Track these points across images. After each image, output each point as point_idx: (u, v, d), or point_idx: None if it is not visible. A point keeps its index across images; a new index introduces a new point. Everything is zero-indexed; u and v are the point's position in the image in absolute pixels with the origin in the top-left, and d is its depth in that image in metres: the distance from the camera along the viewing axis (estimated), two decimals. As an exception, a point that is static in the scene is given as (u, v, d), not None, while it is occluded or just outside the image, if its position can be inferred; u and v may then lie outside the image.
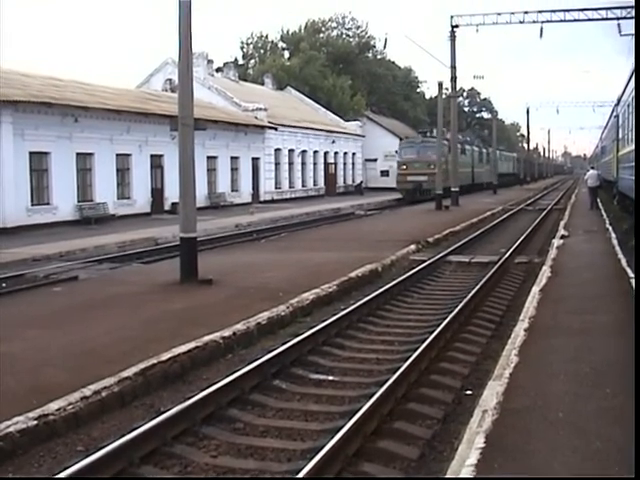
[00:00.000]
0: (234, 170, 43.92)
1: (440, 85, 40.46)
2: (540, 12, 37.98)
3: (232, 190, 43.32)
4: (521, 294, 12.75)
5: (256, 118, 47.32)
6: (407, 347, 9.19)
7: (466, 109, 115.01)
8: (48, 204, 29.32)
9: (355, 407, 6.67)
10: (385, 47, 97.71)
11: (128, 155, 34.06)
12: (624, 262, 14.30)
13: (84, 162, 31.35)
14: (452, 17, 40.41)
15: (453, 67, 41.36)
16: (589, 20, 37.87)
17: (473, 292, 12.02)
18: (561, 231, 21.51)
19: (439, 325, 9.66)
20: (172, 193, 32.85)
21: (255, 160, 46.62)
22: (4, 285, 14.80)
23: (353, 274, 14.19)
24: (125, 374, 7.50)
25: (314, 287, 12.57)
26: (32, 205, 28.46)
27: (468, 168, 56.27)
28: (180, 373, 8.21)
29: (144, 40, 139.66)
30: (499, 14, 39.13)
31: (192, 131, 13.96)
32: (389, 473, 5.73)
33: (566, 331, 8.91)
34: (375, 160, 67.73)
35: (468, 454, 5.16)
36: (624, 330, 8.46)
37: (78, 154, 30.87)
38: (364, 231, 24.27)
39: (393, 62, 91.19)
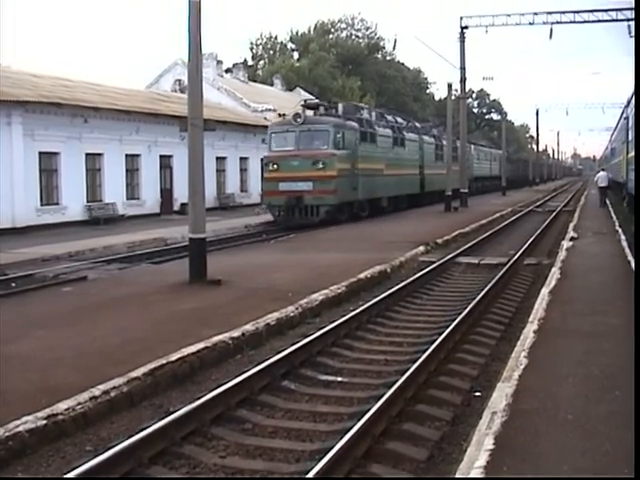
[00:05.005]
0: (243, 171, 43.94)
1: (449, 86, 40.40)
2: (550, 13, 37.99)
3: (241, 191, 43.34)
4: (530, 296, 12.71)
5: (265, 119, 47.31)
6: (416, 348, 9.17)
7: (475, 110, 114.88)
8: (57, 204, 29.42)
9: (364, 408, 6.67)
10: (394, 48, 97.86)
11: (137, 155, 34.14)
12: (634, 264, 14.24)
13: (93, 162, 31.45)
14: (461, 18, 40.44)
15: (462, 68, 41.32)
16: (599, 21, 37.82)
17: (482, 294, 12.00)
18: (570, 233, 21.45)
19: (448, 327, 9.64)
20: (181, 194, 32.95)
21: (264, 161, 46.57)
22: (14, 285, 14.85)
23: (362, 275, 14.18)
24: (134, 374, 7.51)
25: (323, 288, 12.57)
26: (42, 205, 28.57)
27: (412, 169, 37.86)
28: (189, 373, 8.21)
29: (154, 41, 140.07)
30: (508, 15, 39.18)
31: (201, 132, 13.98)
32: (398, 475, 5.72)
33: (576, 333, 8.88)
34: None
35: (477, 456, 5.15)
36: (634, 332, 8.41)
37: (87, 154, 30.97)
38: (373, 232, 24.23)
39: (402, 63, 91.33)
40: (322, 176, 26.90)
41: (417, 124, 43.66)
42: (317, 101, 32.97)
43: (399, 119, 39.48)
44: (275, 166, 28.06)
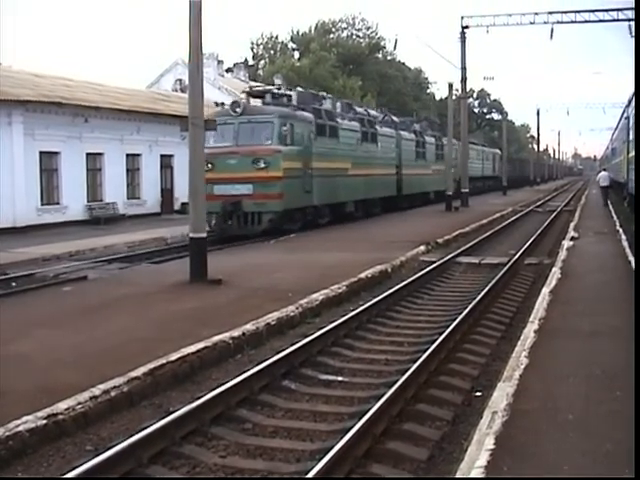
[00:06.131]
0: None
1: (450, 86, 40.38)
2: (550, 13, 38.03)
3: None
4: (531, 295, 12.70)
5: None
6: (416, 348, 9.17)
7: (476, 110, 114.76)
8: (58, 204, 29.42)
9: (364, 408, 6.66)
10: (395, 48, 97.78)
11: (138, 155, 34.14)
12: (634, 265, 14.23)
13: (94, 162, 31.45)
14: (462, 18, 40.47)
15: (463, 68, 41.33)
16: (600, 21, 37.81)
17: (483, 293, 11.99)
18: (571, 233, 21.44)
19: (449, 326, 9.63)
20: (182, 193, 32.90)
21: (265, 160, 46.48)
22: (14, 284, 14.86)
23: (362, 275, 14.18)
24: (134, 374, 7.50)
25: (323, 288, 12.56)
26: (42, 205, 28.57)
27: (386, 169, 33.31)
28: (189, 373, 8.21)
29: (154, 40, 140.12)
30: (509, 15, 39.22)
31: (202, 131, 14.00)
32: (398, 474, 5.72)
33: (576, 333, 8.87)
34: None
35: (478, 455, 5.14)
36: (634, 332, 8.41)
37: (88, 154, 30.97)
38: (373, 232, 24.22)
39: (403, 63, 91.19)
40: (264, 177, 22.19)
41: (394, 118, 39.32)
42: (264, 87, 27.99)
43: (372, 112, 35.17)
44: (210, 165, 21.62)
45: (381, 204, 32.79)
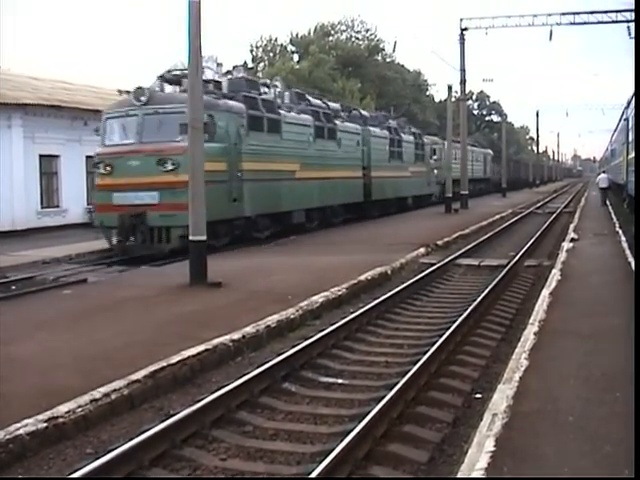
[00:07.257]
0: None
1: (449, 88, 40.37)
2: (549, 15, 38.03)
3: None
4: (531, 297, 12.71)
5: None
6: (416, 350, 9.17)
7: (475, 112, 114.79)
8: (58, 207, 29.44)
9: (364, 410, 6.66)
10: (394, 50, 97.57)
11: (137, 158, 34.06)
12: (634, 265, 14.23)
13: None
14: (461, 20, 40.43)
15: (462, 70, 41.29)
16: (599, 23, 37.82)
17: (483, 295, 11.99)
18: (571, 234, 21.44)
19: (448, 328, 9.63)
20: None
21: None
22: (14, 287, 14.84)
23: (362, 277, 14.18)
24: (134, 377, 7.50)
25: (323, 290, 12.56)
26: (42, 208, 28.59)
27: (350, 170, 28.60)
28: (189, 376, 8.20)
29: (154, 43, 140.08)
30: (508, 17, 39.23)
31: (202, 134, 14.00)
32: (398, 476, 5.72)
33: (577, 335, 8.86)
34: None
35: (478, 458, 5.14)
36: (634, 333, 8.41)
37: (88, 157, 30.91)
38: (372, 234, 24.23)
39: (402, 65, 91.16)
40: (173, 182, 17.21)
41: (363, 112, 35.28)
42: (180, 71, 20.66)
43: (333, 104, 30.26)
44: (108, 168, 19.07)
45: (344, 212, 28.91)
